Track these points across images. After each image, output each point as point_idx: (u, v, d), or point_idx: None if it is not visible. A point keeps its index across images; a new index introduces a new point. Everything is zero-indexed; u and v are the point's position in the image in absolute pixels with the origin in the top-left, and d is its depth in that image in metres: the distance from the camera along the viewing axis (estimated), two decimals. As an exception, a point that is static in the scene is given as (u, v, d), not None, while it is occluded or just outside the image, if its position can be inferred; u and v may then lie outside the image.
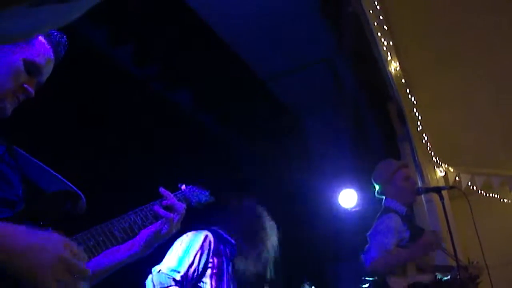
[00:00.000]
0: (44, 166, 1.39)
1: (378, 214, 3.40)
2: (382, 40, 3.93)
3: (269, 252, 2.75)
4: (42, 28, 0.90)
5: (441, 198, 3.13)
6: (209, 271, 2.45)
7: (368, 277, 3.28)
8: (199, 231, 2.55)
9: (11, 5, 0.66)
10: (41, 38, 1.40)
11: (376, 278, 3.22)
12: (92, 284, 1.49)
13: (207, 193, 2.04)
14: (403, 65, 4.30)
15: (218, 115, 5.53)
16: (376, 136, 5.66)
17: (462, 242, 4.19)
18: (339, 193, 5.73)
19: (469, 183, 5.19)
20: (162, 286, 2.33)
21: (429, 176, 4.85)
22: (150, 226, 1.63)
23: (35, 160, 1.39)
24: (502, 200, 5.68)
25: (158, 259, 2.43)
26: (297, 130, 6.43)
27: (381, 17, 3.81)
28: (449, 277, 3.17)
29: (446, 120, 4.93)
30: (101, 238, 1.38)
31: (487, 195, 5.49)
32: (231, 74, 5.03)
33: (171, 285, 2.34)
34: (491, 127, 4.88)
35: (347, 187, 5.69)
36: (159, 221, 1.65)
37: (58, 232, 1.22)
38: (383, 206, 3.47)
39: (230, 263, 2.61)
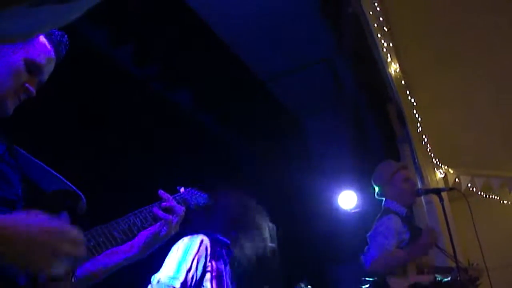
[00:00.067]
0: (45, 166, 1.39)
1: (378, 215, 3.40)
2: (382, 41, 3.94)
3: (264, 239, 2.75)
4: (42, 28, 0.90)
5: (441, 199, 3.13)
6: (208, 275, 2.43)
7: (368, 277, 3.28)
8: (194, 235, 2.52)
9: (11, 5, 0.66)
10: (42, 37, 1.40)
11: (376, 278, 3.22)
12: (91, 284, 1.50)
13: (205, 196, 2.05)
14: (403, 66, 4.31)
15: (218, 115, 5.53)
16: (376, 137, 5.67)
17: (461, 243, 4.18)
18: (339, 194, 5.74)
19: (469, 185, 5.19)
20: None
21: (428, 178, 4.85)
22: (149, 228, 1.64)
23: (35, 160, 1.39)
24: (502, 201, 5.68)
25: (157, 264, 2.42)
26: (297, 130, 6.44)
27: (381, 18, 3.81)
28: (449, 278, 3.17)
29: (445, 121, 4.93)
30: (101, 239, 1.38)
31: (487, 196, 5.48)
32: (231, 74, 5.03)
33: None
34: (491, 128, 4.88)
35: (347, 188, 5.70)
36: (158, 223, 1.66)
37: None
38: (383, 207, 3.47)
39: (228, 264, 2.60)
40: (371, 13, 3.75)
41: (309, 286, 3.35)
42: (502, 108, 4.70)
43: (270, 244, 2.80)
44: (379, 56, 4.02)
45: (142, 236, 1.63)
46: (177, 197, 1.81)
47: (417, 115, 4.65)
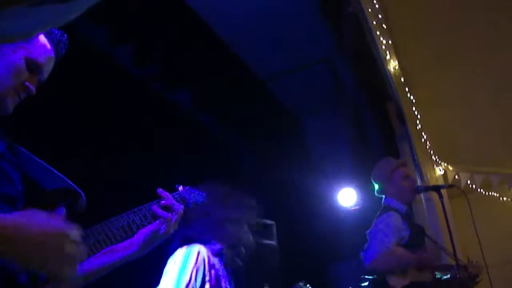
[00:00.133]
0: (45, 164, 1.40)
1: (378, 213, 3.40)
2: (381, 39, 3.94)
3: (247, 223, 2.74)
4: (42, 28, 0.91)
5: (440, 196, 3.14)
6: (207, 286, 2.43)
7: (367, 275, 3.29)
8: (190, 246, 2.49)
9: (11, 5, 0.67)
10: (42, 36, 1.42)
11: (375, 276, 3.22)
12: (90, 282, 1.51)
13: (203, 194, 2.06)
14: (402, 64, 4.31)
15: (218, 115, 5.54)
16: (375, 134, 5.67)
17: (461, 240, 4.19)
18: (338, 192, 5.74)
19: (468, 182, 5.19)
20: None
21: (428, 175, 4.85)
22: (149, 226, 1.65)
23: (35, 158, 1.41)
24: (501, 198, 5.67)
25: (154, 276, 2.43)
26: (297, 130, 6.44)
27: (380, 16, 3.82)
28: (448, 276, 3.17)
29: (445, 119, 4.93)
30: (101, 237, 1.39)
31: (487, 193, 5.48)
32: (231, 74, 5.04)
33: None
34: (490, 125, 4.89)
35: (346, 185, 5.70)
36: (157, 221, 1.67)
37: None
38: (383, 205, 3.47)
39: (224, 269, 2.60)
40: (370, 10, 3.76)
41: (308, 285, 3.35)
42: (501, 105, 4.71)
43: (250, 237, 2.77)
44: (378, 54, 4.03)
45: (141, 234, 1.64)
46: (175, 196, 1.82)
47: (416, 113, 4.66)
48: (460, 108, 4.75)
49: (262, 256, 4.26)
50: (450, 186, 3.64)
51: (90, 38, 3.87)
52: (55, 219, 1.12)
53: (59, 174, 1.39)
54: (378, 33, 3.88)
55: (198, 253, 2.45)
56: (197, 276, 2.39)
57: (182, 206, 1.76)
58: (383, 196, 3.52)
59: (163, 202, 1.71)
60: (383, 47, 4.01)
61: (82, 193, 1.39)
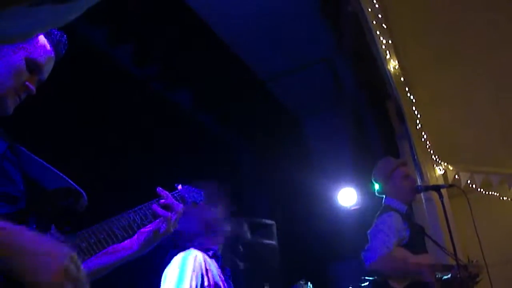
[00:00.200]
0: (46, 164, 1.40)
1: (378, 213, 3.39)
2: (381, 38, 3.95)
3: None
4: (41, 28, 0.91)
5: (440, 196, 3.14)
6: None
7: (368, 276, 3.29)
8: (186, 251, 2.49)
9: (11, 5, 0.67)
10: (41, 36, 1.43)
11: (376, 277, 3.22)
12: (92, 281, 1.51)
13: (202, 193, 2.06)
14: (402, 64, 4.31)
15: (218, 115, 5.54)
16: (375, 134, 5.67)
17: (461, 240, 4.19)
18: (338, 192, 5.74)
19: (469, 181, 5.19)
20: None
21: (428, 175, 4.85)
22: (149, 225, 1.65)
23: (36, 158, 1.41)
24: (501, 198, 5.67)
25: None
26: (297, 130, 6.44)
27: (379, 16, 3.82)
28: (449, 276, 3.17)
29: (445, 118, 4.93)
30: (102, 236, 1.39)
31: (487, 193, 5.48)
32: (231, 74, 5.04)
33: None
34: (490, 125, 4.89)
35: (346, 185, 5.70)
36: (157, 220, 1.67)
37: (63, 235, 1.23)
38: (383, 204, 3.46)
39: (221, 270, 2.60)
40: (370, 10, 3.76)
41: (309, 283, 3.35)
42: (501, 105, 4.71)
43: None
44: (378, 54, 4.03)
45: (142, 234, 1.65)
46: (175, 194, 1.83)
47: (416, 112, 4.66)
48: (460, 108, 4.75)
49: (262, 256, 4.26)
50: (450, 185, 3.64)
51: (90, 38, 3.87)
52: (62, 243, 1.12)
53: (60, 173, 1.39)
54: (378, 32, 3.88)
55: (195, 258, 2.45)
56: (196, 282, 2.38)
57: (182, 205, 1.76)
58: (384, 196, 3.52)
59: (162, 201, 1.71)
60: (383, 46, 4.01)
61: (83, 193, 1.40)
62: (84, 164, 3.19)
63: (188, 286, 2.33)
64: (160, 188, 1.75)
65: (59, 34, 1.47)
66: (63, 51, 1.50)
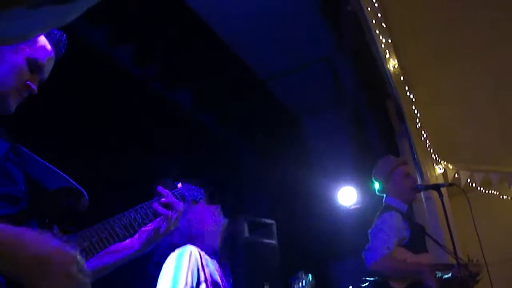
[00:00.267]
0: (47, 164, 1.41)
1: (379, 212, 3.39)
2: (381, 37, 3.94)
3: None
4: (41, 29, 0.91)
5: (440, 195, 3.13)
6: (203, 286, 2.42)
7: (368, 276, 3.29)
8: (181, 248, 2.50)
9: (10, 6, 0.68)
10: (42, 37, 1.44)
11: (376, 278, 3.22)
12: (92, 281, 1.51)
13: (201, 191, 2.07)
14: (401, 63, 4.31)
15: (218, 115, 5.55)
16: (375, 133, 5.67)
17: (461, 239, 4.19)
18: (338, 191, 5.74)
19: (468, 180, 5.18)
20: None
21: (428, 173, 4.85)
22: (149, 224, 1.66)
23: (38, 158, 1.42)
24: (501, 196, 5.67)
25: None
26: (297, 129, 6.44)
27: (379, 15, 3.82)
28: (449, 275, 3.18)
29: (445, 117, 4.93)
30: (103, 235, 1.40)
31: (486, 192, 5.48)
32: (231, 74, 5.04)
33: None
34: (489, 124, 4.88)
35: (346, 184, 5.70)
36: (158, 219, 1.68)
37: (65, 235, 1.23)
38: (383, 204, 3.46)
39: (219, 265, 2.61)
40: (369, 9, 3.76)
41: (309, 275, 3.34)
42: (500, 104, 4.70)
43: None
44: (378, 53, 4.03)
45: (143, 233, 1.67)
46: (175, 193, 1.83)
47: (416, 111, 4.65)
48: (459, 107, 4.75)
49: (262, 255, 4.27)
50: (450, 184, 3.63)
51: (90, 38, 3.88)
52: (65, 244, 1.12)
53: (61, 173, 1.40)
54: (377, 32, 3.88)
55: (190, 254, 2.45)
56: (193, 278, 2.38)
57: (182, 204, 1.77)
58: (384, 195, 3.51)
59: (163, 199, 1.72)
60: (383, 45, 4.01)
61: (85, 192, 1.40)
62: (84, 163, 3.20)
63: (184, 283, 2.33)
64: (160, 187, 1.76)
65: (59, 34, 1.49)
66: (63, 51, 1.51)
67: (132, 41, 4.17)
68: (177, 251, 2.48)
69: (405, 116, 4.72)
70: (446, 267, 3.26)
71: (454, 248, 2.92)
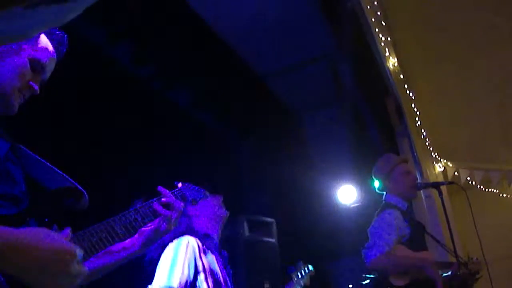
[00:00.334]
0: (47, 163, 1.41)
1: (378, 210, 3.39)
2: (380, 35, 3.94)
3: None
4: (40, 29, 0.91)
5: (440, 193, 3.14)
6: (202, 275, 2.42)
7: (368, 274, 3.29)
8: (179, 238, 2.49)
9: (9, 6, 0.67)
10: (43, 37, 1.44)
11: (377, 275, 3.22)
12: (93, 280, 1.52)
13: (202, 191, 2.07)
14: (401, 61, 4.31)
15: (218, 113, 5.55)
16: (375, 131, 5.68)
17: (461, 237, 4.19)
18: (338, 189, 5.75)
19: (468, 178, 5.19)
20: None
21: (428, 172, 4.85)
22: (149, 224, 1.66)
23: (38, 158, 1.41)
24: (501, 195, 5.67)
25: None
26: (297, 127, 6.44)
27: (378, 13, 3.82)
28: (449, 273, 3.18)
29: (444, 115, 4.93)
30: (103, 235, 1.40)
31: (486, 190, 5.48)
32: (231, 72, 5.04)
33: None
34: (489, 122, 4.88)
35: (346, 182, 5.70)
36: (158, 219, 1.68)
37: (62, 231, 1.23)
38: (383, 201, 3.46)
39: (218, 255, 2.60)
40: (369, 7, 3.76)
41: (309, 265, 3.35)
42: (500, 102, 4.71)
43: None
44: (378, 51, 4.03)
45: (143, 233, 1.67)
46: (175, 193, 1.83)
47: (415, 109, 4.66)
48: (459, 105, 4.75)
49: (262, 254, 4.27)
50: (450, 183, 3.63)
51: (89, 37, 3.87)
52: (62, 238, 1.12)
53: (62, 173, 1.39)
54: (377, 30, 3.88)
55: (187, 245, 2.45)
56: (189, 267, 2.38)
57: (182, 204, 1.77)
58: (384, 193, 3.51)
59: (163, 199, 1.72)
60: (382, 44, 4.01)
61: (85, 192, 1.40)
62: (84, 163, 3.20)
63: (180, 274, 2.33)
64: (161, 187, 1.76)
65: (60, 34, 1.49)
66: (64, 51, 1.51)
67: (131, 40, 4.16)
68: (175, 241, 2.48)
69: (404, 114, 4.72)
70: (446, 265, 3.27)
71: (454, 246, 2.93)
